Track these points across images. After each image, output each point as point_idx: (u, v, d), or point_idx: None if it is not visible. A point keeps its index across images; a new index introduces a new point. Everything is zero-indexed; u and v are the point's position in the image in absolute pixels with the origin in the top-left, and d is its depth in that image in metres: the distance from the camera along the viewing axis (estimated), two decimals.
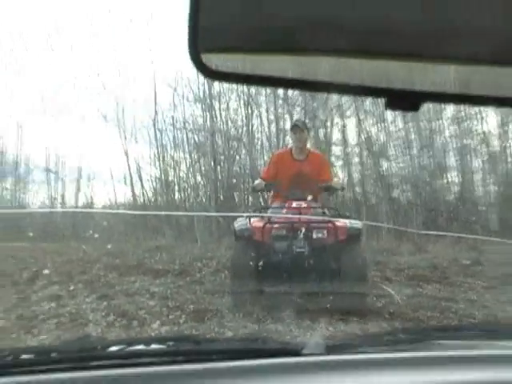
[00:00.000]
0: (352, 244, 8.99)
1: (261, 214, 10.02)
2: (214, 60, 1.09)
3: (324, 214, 9.60)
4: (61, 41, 22.85)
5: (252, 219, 9.32)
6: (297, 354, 1.92)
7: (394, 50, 1.08)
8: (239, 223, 9.49)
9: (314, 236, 8.97)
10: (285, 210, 9.48)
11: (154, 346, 1.94)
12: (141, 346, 1.91)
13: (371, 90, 1.15)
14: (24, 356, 1.80)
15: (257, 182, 10.38)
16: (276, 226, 9.08)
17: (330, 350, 1.98)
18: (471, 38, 1.09)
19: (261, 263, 8.82)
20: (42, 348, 1.90)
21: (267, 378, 1.79)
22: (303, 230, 8.95)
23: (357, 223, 9.48)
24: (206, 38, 1.07)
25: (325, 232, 8.97)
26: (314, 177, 9.76)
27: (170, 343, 2.02)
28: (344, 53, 1.08)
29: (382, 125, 17.36)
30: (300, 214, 9.17)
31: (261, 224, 9.14)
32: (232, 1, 1.07)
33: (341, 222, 9.12)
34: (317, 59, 1.10)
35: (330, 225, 9.00)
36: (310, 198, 9.53)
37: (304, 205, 9.36)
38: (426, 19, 1.08)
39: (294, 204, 9.44)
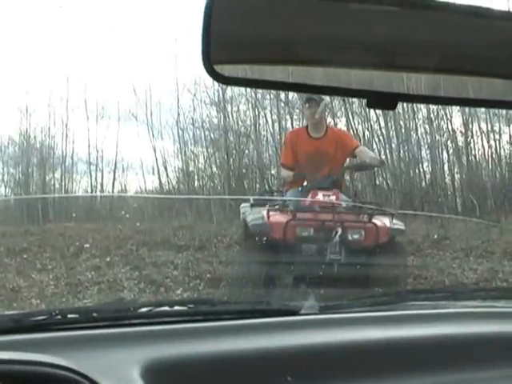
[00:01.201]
0: (396, 249, 6.73)
1: (278, 198, 7.52)
2: (226, 69, 1.09)
3: (358, 208, 7.12)
4: (100, 51, 22.82)
5: (271, 212, 6.62)
6: (295, 313, 1.93)
7: (375, 61, 1.09)
8: (253, 216, 6.93)
9: (350, 238, 6.48)
10: (308, 203, 6.83)
11: (176, 308, 1.95)
12: (166, 308, 1.91)
13: (356, 92, 1.17)
14: (70, 315, 1.81)
15: (283, 173, 7.77)
16: (302, 222, 6.59)
17: (323, 309, 1.99)
18: (435, 52, 1.11)
19: (284, 273, 6.52)
20: (85, 308, 1.90)
21: (270, 334, 1.80)
22: (339, 230, 6.40)
23: (399, 223, 6.94)
24: (218, 51, 1.07)
25: (363, 233, 6.53)
26: (335, 155, 7.17)
27: (190, 305, 2.02)
28: (335, 63, 1.09)
29: (367, 124, 17.33)
30: (332, 207, 6.67)
31: (283, 219, 6.51)
32: (239, 18, 1.07)
33: (380, 221, 6.67)
34: (312, 67, 1.11)
35: (368, 224, 6.54)
36: (331, 179, 6.94)
37: (332, 196, 6.72)
38: (399, 36, 1.09)
39: (320, 195, 6.75)
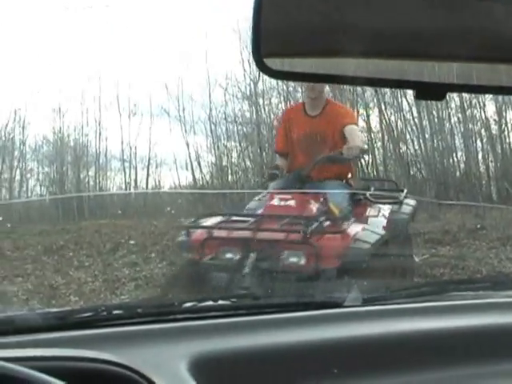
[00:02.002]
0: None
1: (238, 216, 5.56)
2: (276, 62, 1.09)
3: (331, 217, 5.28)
4: (132, 47, 22.95)
5: (196, 229, 5.17)
6: (339, 305, 1.93)
7: (423, 51, 1.08)
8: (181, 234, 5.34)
9: (281, 263, 4.73)
10: (267, 208, 5.30)
11: (220, 302, 1.96)
12: (209, 302, 1.92)
13: (404, 84, 1.16)
14: (115, 311, 1.82)
15: (279, 162, 6.25)
16: (223, 242, 4.95)
17: (366, 301, 1.99)
18: (484, 40, 1.10)
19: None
20: (130, 304, 1.92)
21: (314, 327, 1.80)
22: (252, 254, 4.66)
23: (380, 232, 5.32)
24: (268, 43, 1.07)
25: (302, 256, 4.73)
26: (333, 136, 5.80)
27: (234, 299, 2.03)
28: (384, 54, 1.08)
29: (400, 114, 17.22)
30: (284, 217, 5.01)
31: (201, 237, 4.98)
32: (289, 9, 1.06)
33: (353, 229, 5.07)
34: (360, 59, 1.10)
35: (319, 242, 4.76)
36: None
37: (291, 201, 5.20)
38: (448, 25, 1.08)
39: (276, 200, 5.26)
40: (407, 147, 17.17)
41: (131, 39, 24.62)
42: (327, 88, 6.41)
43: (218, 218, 5.41)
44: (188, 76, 24.86)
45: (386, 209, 5.98)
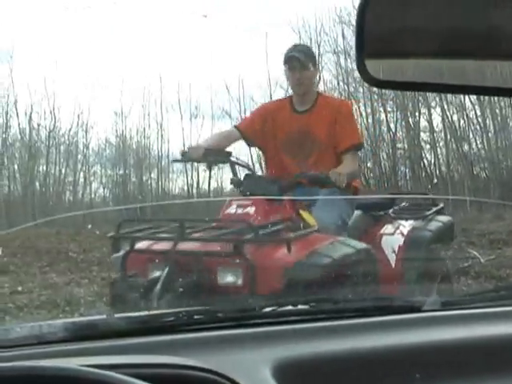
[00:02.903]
0: None
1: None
2: (378, 68, 1.08)
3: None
4: (192, 49, 23.17)
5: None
6: (417, 310, 1.92)
7: None
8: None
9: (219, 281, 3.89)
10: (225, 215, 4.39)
11: (300, 307, 1.96)
12: (289, 307, 1.93)
13: None
14: (196, 316, 1.84)
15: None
16: (149, 255, 4.17)
17: (445, 305, 1.98)
18: None
19: None
20: (210, 309, 1.93)
21: (393, 332, 1.79)
22: (189, 264, 3.94)
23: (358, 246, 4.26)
24: (370, 47, 1.06)
25: (240, 275, 3.83)
26: (327, 139, 4.97)
27: (313, 303, 2.03)
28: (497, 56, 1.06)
29: (463, 113, 17.01)
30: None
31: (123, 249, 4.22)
32: (393, 13, 1.06)
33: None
34: (468, 63, 1.08)
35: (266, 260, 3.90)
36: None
37: (251, 207, 4.30)
38: None
39: (233, 207, 4.37)
40: (470, 146, 16.97)
41: (193, 41, 24.85)
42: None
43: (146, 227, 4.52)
44: (249, 77, 24.97)
45: (407, 225, 5.14)
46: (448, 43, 1.04)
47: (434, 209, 5.48)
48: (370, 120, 17.62)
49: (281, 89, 18.03)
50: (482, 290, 2.33)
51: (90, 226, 14.30)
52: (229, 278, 3.86)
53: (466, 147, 16.65)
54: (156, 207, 18.42)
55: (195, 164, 19.13)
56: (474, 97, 14.86)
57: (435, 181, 16.46)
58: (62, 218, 15.35)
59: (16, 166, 20.49)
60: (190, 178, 20.24)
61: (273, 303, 1.91)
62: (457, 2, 1.04)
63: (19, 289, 8.15)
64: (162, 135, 20.17)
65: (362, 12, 1.04)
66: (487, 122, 16.51)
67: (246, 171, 4.93)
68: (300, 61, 4.95)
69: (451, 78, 1.08)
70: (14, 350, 1.61)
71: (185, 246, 4.05)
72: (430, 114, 16.84)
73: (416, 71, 1.07)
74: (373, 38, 1.05)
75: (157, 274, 3.90)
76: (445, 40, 1.04)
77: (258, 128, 5.18)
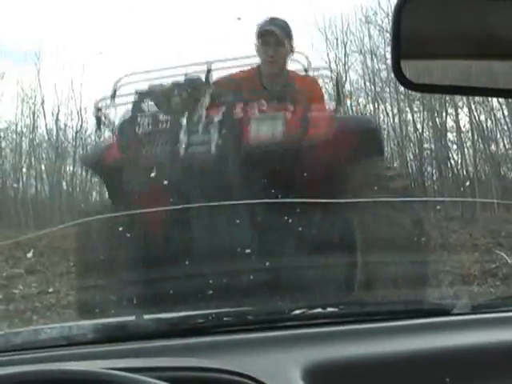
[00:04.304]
0: None
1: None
2: (413, 71, 1.07)
3: None
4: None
5: None
6: (447, 313, 1.91)
7: None
8: None
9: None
10: None
11: (329, 309, 1.96)
12: (319, 310, 1.93)
13: None
14: (225, 318, 1.85)
15: None
16: None
17: (476, 308, 1.96)
18: None
19: None
20: (240, 312, 1.94)
21: (422, 335, 1.78)
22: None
23: None
24: (406, 48, 1.05)
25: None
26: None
27: (342, 306, 2.03)
28: None
29: (491, 113, 16.87)
30: None
31: None
32: (429, 15, 1.05)
33: None
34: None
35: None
36: None
37: None
38: None
39: None
40: (497, 147, 16.85)
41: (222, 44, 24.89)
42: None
43: None
44: None
45: None
46: (483, 46, 1.04)
47: None
48: (396, 120, 17.56)
49: None
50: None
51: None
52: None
53: (493, 147, 16.54)
54: None
55: None
56: None
57: (467, 183, 16.34)
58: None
59: (43, 167, 20.57)
60: None
61: (302, 306, 1.91)
62: (492, 4, 1.04)
63: (49, 290, 8.17)
64: None
65: (398, 14, 1.03)
66: None
67: None
68: (276, 36, 4.46)
69: (485, 81, 1.07)
70: (43, 351, 1.62)
71: None
72: (456, 114, 16.72)
73: (451, 74, 1.07)
74: (409, 40, 1.04)
75: None
76: (480, 43, 1.04)
77: None
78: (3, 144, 19.65)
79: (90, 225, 4.49)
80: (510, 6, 1.03)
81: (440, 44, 1.05)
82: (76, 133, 20.16)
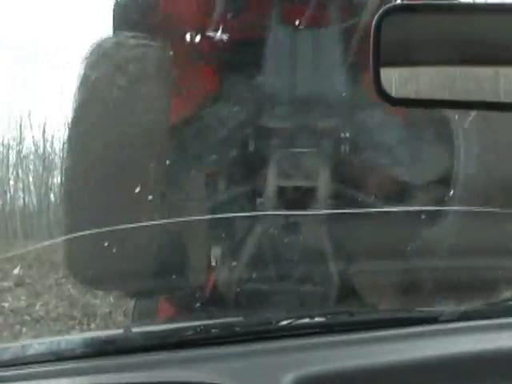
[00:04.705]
0: None
1: None
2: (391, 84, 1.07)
3: None
4: None
5: None
6: (435, 321, 1.91)
7: None
8: None
9: None
10: None
11: (317, 319, 1.95)
12: (306, 320, 1.92)
13: None
14: (213, 330, 1.84)
15: None
16: None
17: (463, 316, 1.96)
18: None
19: None
20: (227, 323, 1.93)
21: (410, 344, 1.78)
22: None
23: None
24: (384, 56, 1.05)
25: None
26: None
27: (329, 316, 2.02)
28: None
29: None
30: None
31: None
32: (412, 22, 1.05)
33: None
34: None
35: None
36: None
37: None
38: None
39: None
40: None
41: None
42: None
43: None
44: None
45: None
46: (467, 54, 1.04)
47: None
48: None
49: None
50: (501, 300, 2.31)
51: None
52: None
53: None
54: None
55: None
56: None
57: None
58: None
59: (31, 178, 20.50)
60: None
61: (289, 316, 1.91)
62: (472, 12, 1.04)
63: (36, 302, 8.13)
64: None
65: (378, 24, 1.03)
66: None
67: None
68: None
69: (469, 91, 1.07)
70: (32, 366, 1.62)
71: None
72: None
73: (433, 85, 1.06)
74: (388, 51, 1.04)
75: None
76: (464, 51, 1.04)
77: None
78: None
79: None
80: (496, 14, 1.03)
81: (422, 54, 1.05)
82: (63, 144, 20.12)
